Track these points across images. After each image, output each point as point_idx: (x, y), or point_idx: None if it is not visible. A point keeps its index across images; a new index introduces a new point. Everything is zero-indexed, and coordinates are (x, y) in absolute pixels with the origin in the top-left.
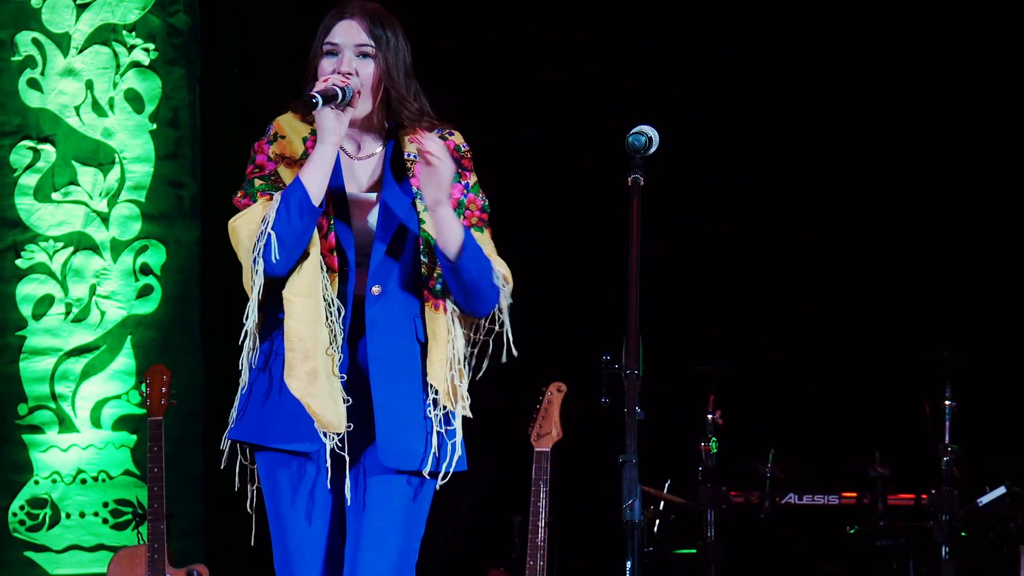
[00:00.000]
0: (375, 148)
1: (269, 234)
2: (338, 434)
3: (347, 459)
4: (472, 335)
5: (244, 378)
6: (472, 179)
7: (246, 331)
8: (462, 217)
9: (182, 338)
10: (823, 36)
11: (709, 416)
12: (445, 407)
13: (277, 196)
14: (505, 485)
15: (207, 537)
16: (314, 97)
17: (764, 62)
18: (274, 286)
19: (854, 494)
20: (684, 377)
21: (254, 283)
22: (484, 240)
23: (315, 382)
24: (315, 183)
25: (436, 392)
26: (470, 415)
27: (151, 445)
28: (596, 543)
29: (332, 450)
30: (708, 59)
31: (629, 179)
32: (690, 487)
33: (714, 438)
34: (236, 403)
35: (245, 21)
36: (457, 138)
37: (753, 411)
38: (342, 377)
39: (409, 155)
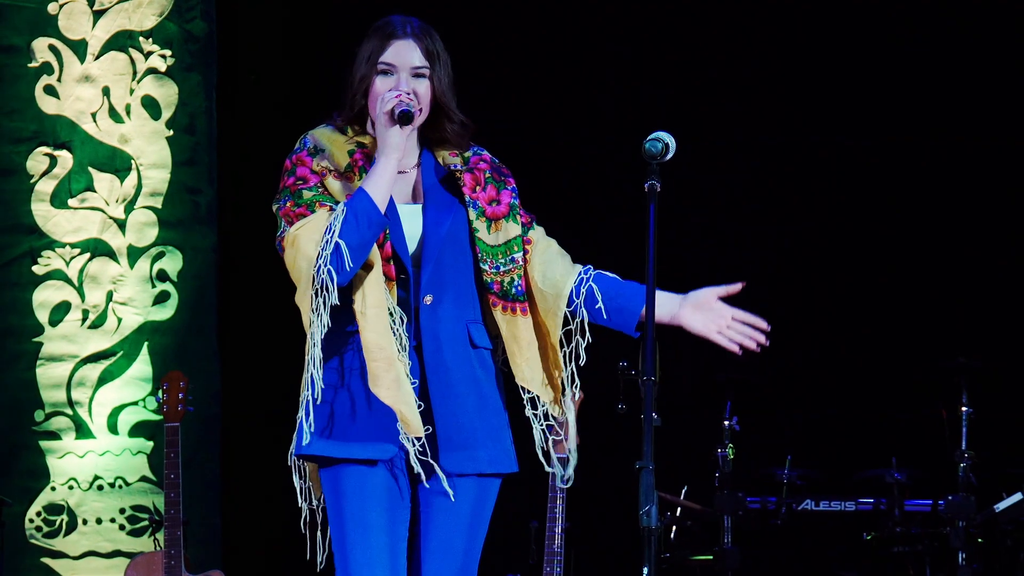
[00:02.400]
0: (412, 161)
1: (337, 243)
2: (419, 438)
3: (433, 464)
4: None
5: (310, 393)
6: (512, 185)
7: (314, 342)
8: (517, 219)
9: (199, 344)
10: (842, 42)
11: (726, 422)
12: (543, 403)
13: (341, 206)
14: (522, 491)
15: (224, 543)
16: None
17: (780, 68)
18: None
19: (871, 500)
20: (701, 383)
21: (317, 293)
22: (543, 234)
23: (401, 389)
24: (380, 194)
25: (529, 392)
26: (572, 404)
27: (168, 451)
28: (613, 549)
29: (414, 454)
30: (724, 64)
31: (646, 185)
32: (707, 493)
33: (731, 444)
34: (304, 418)
35: (261, 27)
36: (487, 152)
37: (770, 417)
38: (414, 382)
39: (455, 166)
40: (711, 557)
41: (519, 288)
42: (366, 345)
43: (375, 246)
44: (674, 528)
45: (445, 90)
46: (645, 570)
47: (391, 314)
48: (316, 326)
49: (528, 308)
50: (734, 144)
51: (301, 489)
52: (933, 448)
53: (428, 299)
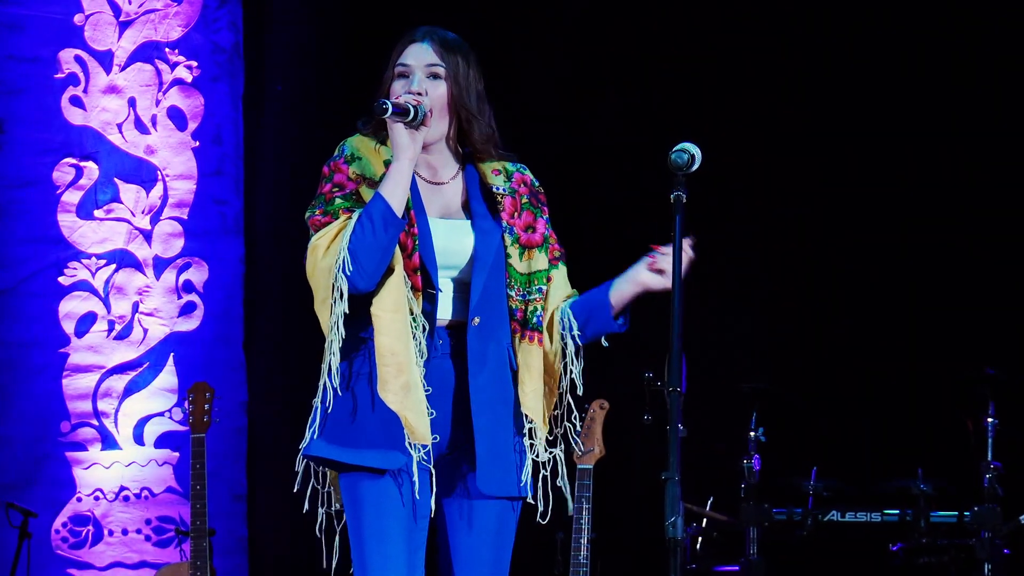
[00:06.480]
0: (451, 174)
1: (350, 250)
2: (424, 446)
3: (432, 472)
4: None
5: (319, 399)
6: (547, 214)
7: (331, 350)
8: (548, 252)
9: (225, 355)
10: (873, 50)
11: (752, 433)
12: (538, 434)
13: (357, 212)
14: (547, 502)
15: (250, 554)
16: (384, 102)
17: (807, 78)
18: (353, 305)
19: (897, 511)
20: (727, 394)
21: (334, 300)
22: (563, 275)
23: (409, 395)
24: (395, 197)
25: (531, 421)
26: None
27: (194, 462)
28: (639, 560)
29: (419, 462)
30: (751, 73)
31: (671, 196)
32: (732, 504)
33: (756, 455)
34: (311, 424)
35: (288, 38)
36: (529, 173)
37: (796, 428)
38: (427, 390)
39: (497, 188)
40: (737, 568)
41: (540, 318)
42: (378, 349)
43: (400, 253)
44: (700, 539)
45: (467, 96)
46: None
47: (415, 321)
48: (334, 334)
49: (541, 339)
50: (758, 154)
51: (317, 493)
52: (959, 459)
53: (476, 320)
